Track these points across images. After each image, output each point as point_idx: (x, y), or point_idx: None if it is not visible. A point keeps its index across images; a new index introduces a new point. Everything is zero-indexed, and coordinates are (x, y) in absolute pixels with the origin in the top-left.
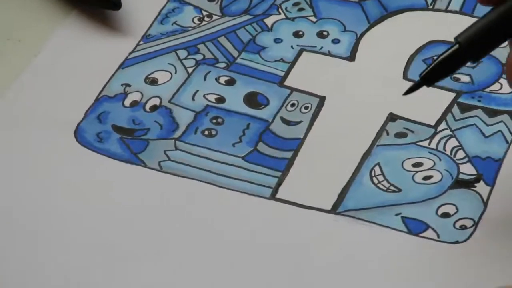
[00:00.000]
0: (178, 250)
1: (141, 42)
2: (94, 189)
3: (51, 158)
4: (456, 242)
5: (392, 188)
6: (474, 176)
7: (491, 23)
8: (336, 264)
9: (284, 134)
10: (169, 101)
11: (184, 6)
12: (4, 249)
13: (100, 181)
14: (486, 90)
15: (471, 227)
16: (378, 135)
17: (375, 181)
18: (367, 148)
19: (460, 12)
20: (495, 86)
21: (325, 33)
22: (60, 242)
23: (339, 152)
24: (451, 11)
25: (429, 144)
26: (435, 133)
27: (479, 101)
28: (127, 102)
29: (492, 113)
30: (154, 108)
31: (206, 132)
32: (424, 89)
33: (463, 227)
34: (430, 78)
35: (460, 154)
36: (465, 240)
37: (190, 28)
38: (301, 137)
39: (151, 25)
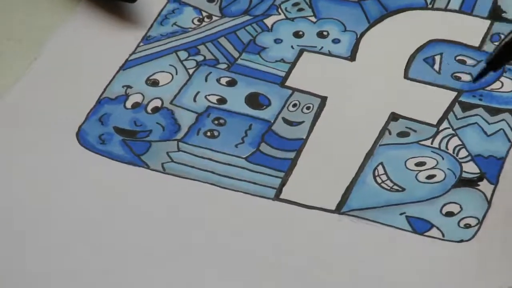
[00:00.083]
0: (183, 252)
1: (141, 44)
2: (97, 192)
3: (53, 160)
4: (461, 240)
5: (395, 187)
6: (477, 175)
7: None
8: (341, 264)
9: (287, 134)
10: (171, 103)
11: (184, 7)
12: (4, 251)
13: (103, 183)
14: (487, 88)
15: (476, 225)
16: (381, 134)
17: (379, 180)
18: (369, 148)
19: (460, 11)
20: (496, 85)
21: (325, 33)
22: (63, 245)
23: (342, 152)
24: (450, 10)
25: (432, 143)
26: (437, 132)
27: (480, 99)
28: (129, 104)
29: (493, 111)
30: (156, 109)
31: (209, 133)
32: (424, 88)
33: (467, 226)
34: (496, 62)
35: (463, 153)
36: (470, 239)
37: (190, 29)
38: (304, 137)
39: (151, 26)
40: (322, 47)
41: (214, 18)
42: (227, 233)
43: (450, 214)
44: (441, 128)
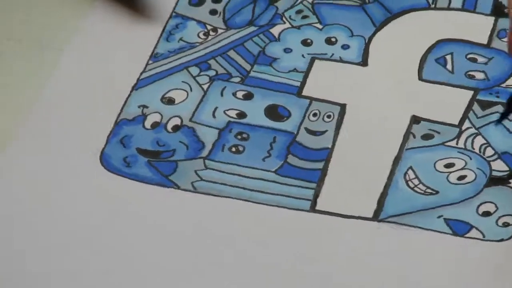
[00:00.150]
0: (224, 272)
1: (150, 62)
2: (129, 216)
3: (79, 187)
4: (501, 240)
5: (429, 190)
6: (507, 172)
7: None
8: (385, 272)
9: (312, 144)
10: (190, 120)
11: (187, 22)
12: (35, 278)
13: (133, 206)
14: (502, 85)
15: None
16: (405, 138)
17: (411, 185)
18: (397, 153)
19: (463, 9)
20: (511, 81)
21: (333, 39)
22: (100, 270)
23: (369, 158)
24: (453, 9)
25: (457, 143)
26: (460, 132)
27: (497, 96)
28: (148, 124)
29: None
30: (176, 128)
31: (234, 149)
32: (440, 89)
33: (506, 224)
34: None
35: (489, 151)
36: (510, 238)
37: (197, 44)
38: (329, 146)
39: (157, 43)
40: (332, 54)
41: (220, 31)
42: (267, 249)
43: (486, 214)
44: (463, 128)
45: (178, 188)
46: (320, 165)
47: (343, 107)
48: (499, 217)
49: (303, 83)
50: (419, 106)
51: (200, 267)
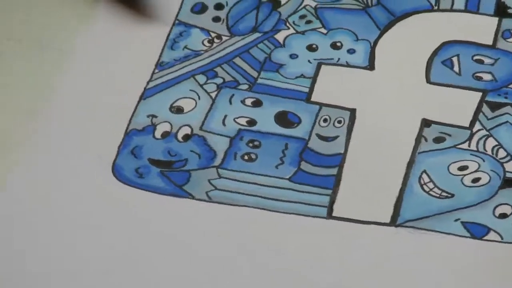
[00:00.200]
0: (244, 283)
1: (156, 70)
2: (144, 228)
3: (93, 199)
4: None
5: (444, 194)
6: None
7: None
8: (404, 276)
9: (324, 150)
10: (200, 129)
11: (191, 29)
12: None
13: (147, 217)
14: (510, 86)
15: None
16: (417, 142)
17: (426, 188)
18: (409, 157)
19: (466, 10)
20: None
21: (338, 44)
22: (113, 284)
23: (383, 163)
24: (456, 10)
25: (469, 146)
26: (472, 135)
27: (505, 97)
28: (158, 134)
29: None
30: (186, 137)
31: (246, 157)
32: (449, 91)
33: None
34: None
35: (502, 153)
36: None
37: (202, 52)
38: (342, 152)
39: (162, 52)
40: (339, 59)
41: (224, 38)
42: (287, 257)
43: (503, 216)
44: (474, 129)
45: (193, 198)
46: (334, 171)
47: (353, 112)
48: None
49: (311, 88)
50: (428, 109)
51: (220, 278)
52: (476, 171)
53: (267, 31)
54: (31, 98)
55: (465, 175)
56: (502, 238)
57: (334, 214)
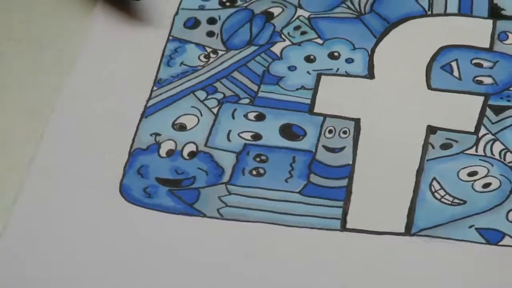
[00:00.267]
0: None
1: (155, 88)
2: (156, 248)
3: (101, 220)
4: None
5: (456, 200)
6: None
7: None
8: (423, 285)
9: (332, 162)
10: (205, 145)
11: (185, 45)
12: None
13: (159, 238)
14: (511, 89)
15: None
16: (425, 149)
17: (438, 196)
18: (418, 164)
19: (459, 13)
20: None
21: (336, 54)
22: None
23: (392, 172)
24: (450, 14)
25: (476, 151)
26: (478, 140)
27: (508, 100)
28: (163, 152)
29: None
30: (192, 154)
31: (254, 172)
32: (451, 96)
33: None
34: None
35: (509, 156)
36: None
37: (199, 67)
38: (350, 162)
39: (158, 69)
40: (338, 69)
41: (220, 52)
42: (303, 271)
43: None
44: (480, 134)
45: (205, 216)
46: (343, 182)
47: (357, 121)
48: None
49: (313, 100)
50: (432, 116)
51: None
52: (486, 176)
53: (263, 44)
54: (31, 98)
55: (475, 180)
56: None
57: (348, 226)
